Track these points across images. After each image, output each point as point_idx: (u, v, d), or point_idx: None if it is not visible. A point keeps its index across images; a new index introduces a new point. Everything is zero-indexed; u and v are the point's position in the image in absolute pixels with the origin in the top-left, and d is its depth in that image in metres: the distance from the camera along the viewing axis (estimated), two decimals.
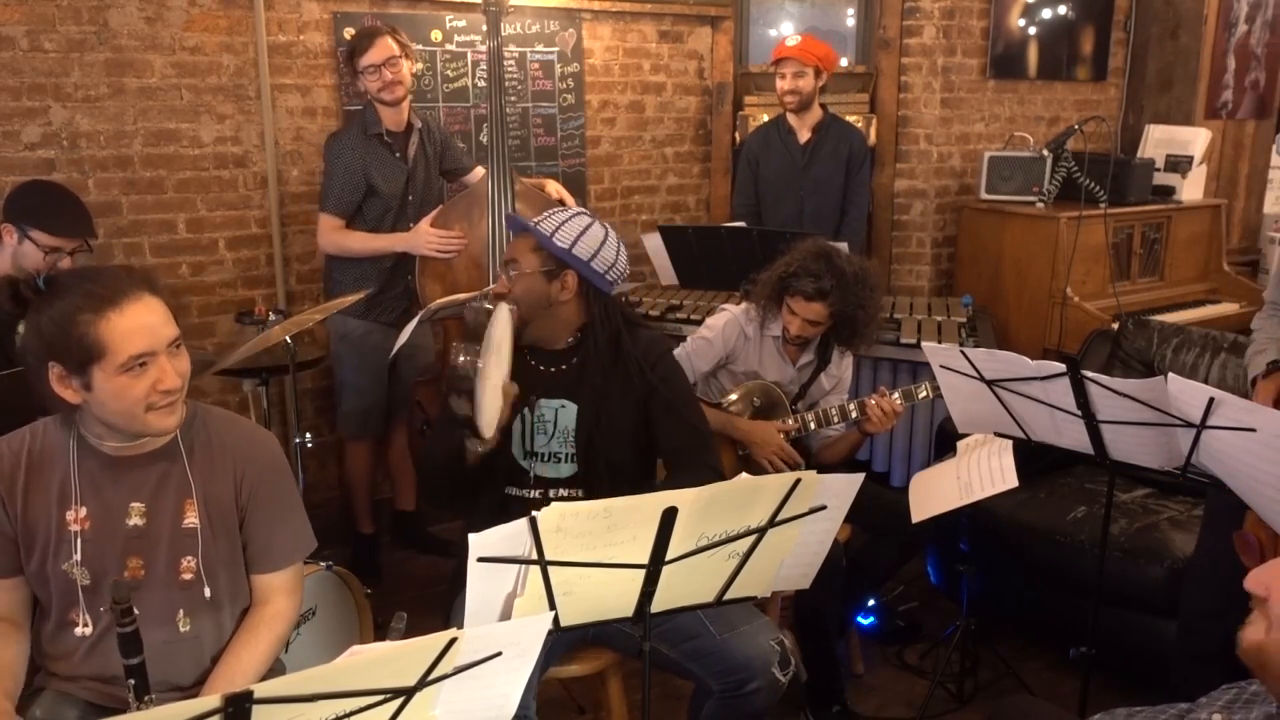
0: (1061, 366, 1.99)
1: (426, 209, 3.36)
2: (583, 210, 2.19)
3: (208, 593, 1.73)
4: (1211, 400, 1.77)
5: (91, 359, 1.56)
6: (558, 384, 2.19)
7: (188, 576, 1.73)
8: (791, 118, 3.81)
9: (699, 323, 3.04)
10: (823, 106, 3.84)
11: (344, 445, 3.62)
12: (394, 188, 3.27)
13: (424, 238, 3.24)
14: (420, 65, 3.71)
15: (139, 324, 1.58)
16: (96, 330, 1.55)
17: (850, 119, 4.18)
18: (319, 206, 3.29)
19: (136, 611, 1.48)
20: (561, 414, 2.18)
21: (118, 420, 1.63)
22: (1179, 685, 2.42)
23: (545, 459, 2.20)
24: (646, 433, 2.20)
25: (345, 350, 3.36)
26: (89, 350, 1.56)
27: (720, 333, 2.82)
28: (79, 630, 1.70)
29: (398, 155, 3.28)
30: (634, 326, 2.25)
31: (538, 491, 2.18)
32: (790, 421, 2.75)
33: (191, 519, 1.72)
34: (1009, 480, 2.38)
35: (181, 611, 1.73)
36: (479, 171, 3.52)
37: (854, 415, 2.73)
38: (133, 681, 1.50)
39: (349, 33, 3.53)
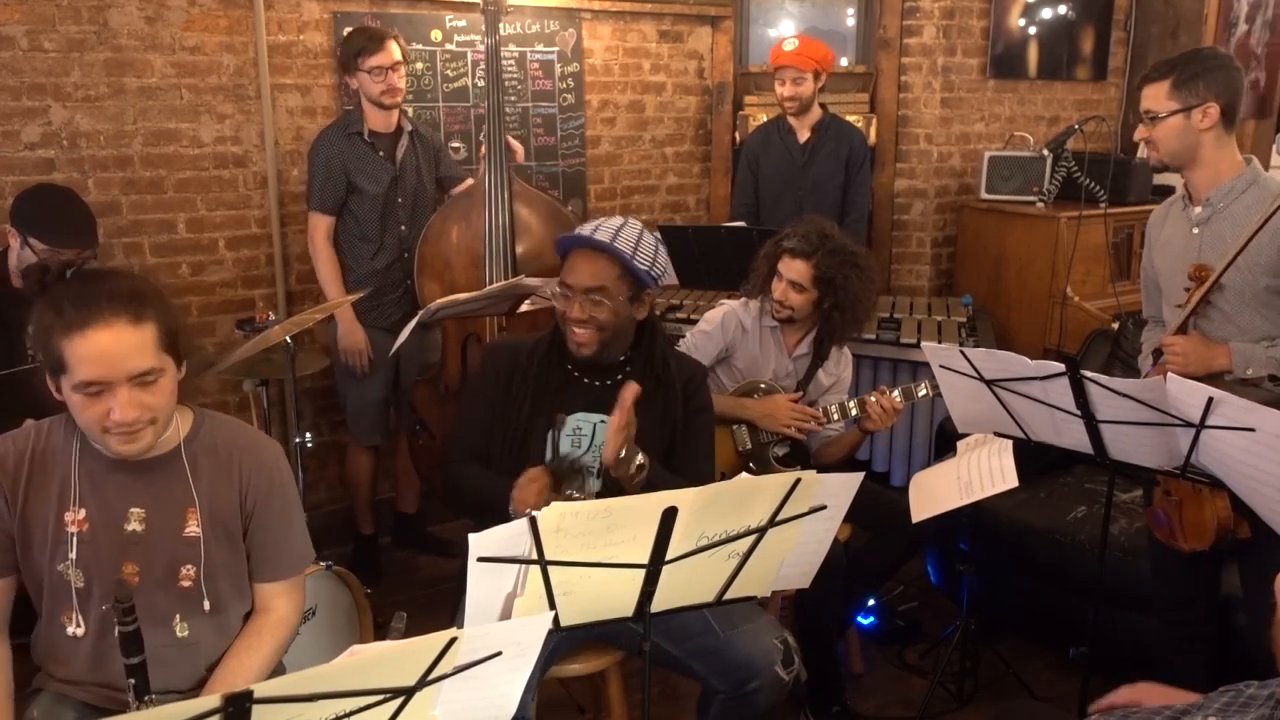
0: (1061, 366, 1.99)
1: (419, 213, 3.36)
2: (637, 221, 2.16)
3: (206, 605, 1.73)
4: (1210, 400, 1.77)
5: (57, 369, 1.58)
6: (602, 399, 2.15)
7: (187, 584, 1.72)
8: (791, 118, 3.82)
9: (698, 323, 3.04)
10: (822, 106, 3.84)
11: (347, 447, 3.62)
12: (379, 187, 3.26)
13: (353, 341, 3.27)
14: (420, 65, 3.71)
15: (96, 352, 1.55)
16: (61, 346, 1.55)
17: (850, 119, 4.17)
18: (306, 206, 3.31)
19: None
20: (600, 428, 2.15)
21: (84, 431, 1.64)
22: (1165, 676, 2.44)
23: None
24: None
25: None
26: (55, 361, 1.57)
27: (719, 325, 2.83)
28: (70, 630, 1.70)
29: (381, 155, 3.28)
30: (674, 349, 2.27)
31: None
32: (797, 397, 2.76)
33: (193, 528, 1.72)
34: (1009, 480, 2.38)
35: (178, 617, 1.73)
36: (469, 183, 3.53)
37: (854, 413, 2.74)
38: (133, 681, 1.50)
39: (348, 32, 3.53)
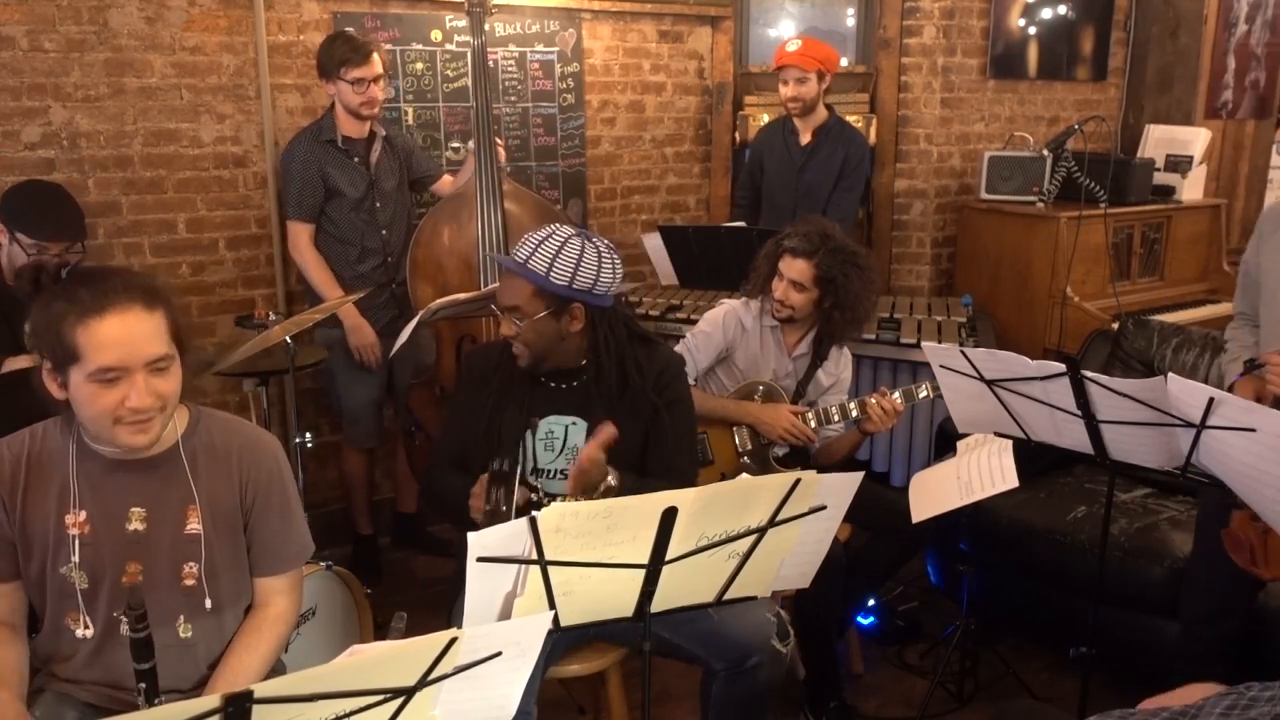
0: (1061, 366, 1.99)
1: (398, 220, 3.36)
2: (566, 231, 2.10)
3: (209, 604, 1.73)
4: (1211, 400, 1.77)
5: (68, 360, 1.56)
6: (569, 401, 2.19)
7: (190, 583, 1.72)
8: (796, 119, 3.81)
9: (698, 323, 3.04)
10: (829, 108, 3.82)
11: (341, 449, 3.62)
12: (357, 191, 3.26)
13: (362, 336, 3.28)
14: (420, 65, 3.71)
15: (115, 337, 1.55)
16: (74, 334, 1.54)
17: (850, 119, 4.16)
18: (286, 214, 3.31)
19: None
20: (572, 430, 2.18)
21: (90, 426, 1.62)
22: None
23: (552, 475, 2.20)
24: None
25: (333, 359, 3.34)
26: (66, 351, 1.55)
27: (720, 324, 2.83)
28: (79, 632, 1.70)
29: (356, 160, 3.27)
30: (646, 343, 2.25)
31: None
32: (801, 405, 2.76)
33: (194, 525, 1.72)
34: (1009, 480, 2.38)
35: (182, 617, 1.73)
36: (447, 179, 3.54)
37: (854, 414, 2.74)
38: (143, 685, 1.50)
39: (329, 37, 3.51)
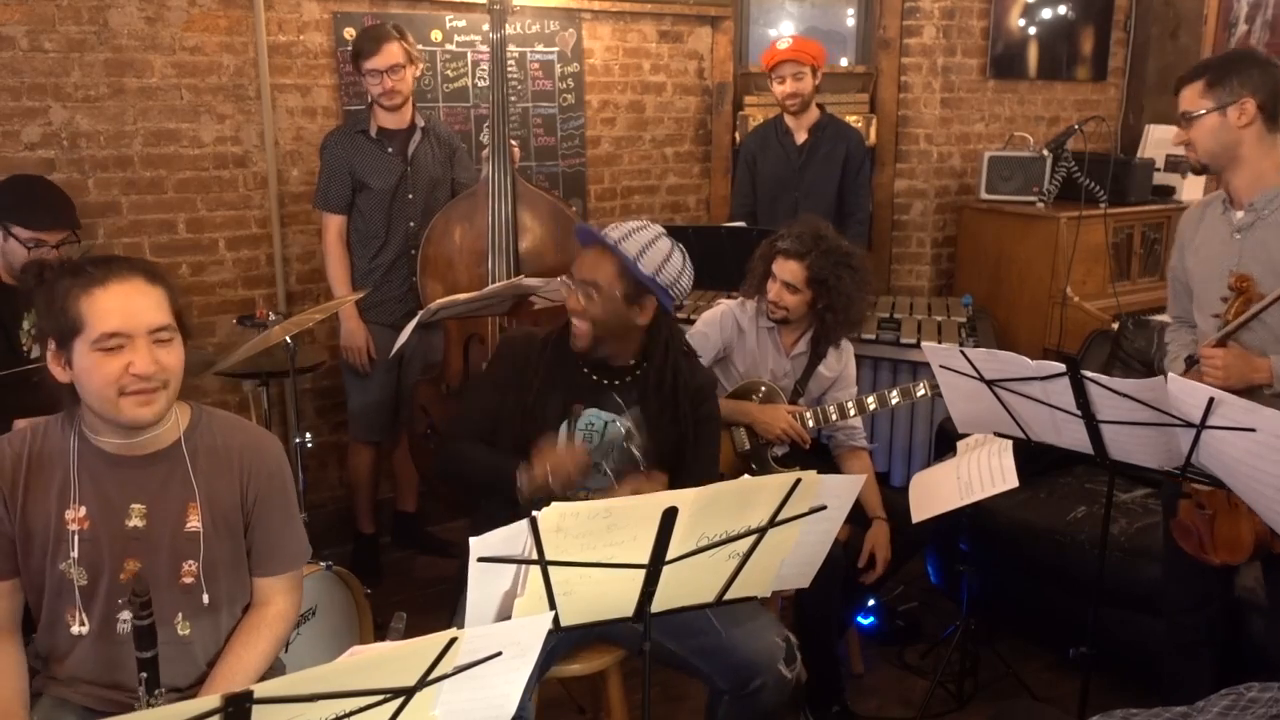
0: (1061, 366, 1.98)
1: (432, 210, 3.36)
2: (658, 229, 2.16)
3: (206, 599, 1.73)
4: (1211, 400, 1.77)
5: (72, 332, 1.58)
6: (613, 397, 2.20)
7: (188, 580, 1.72)
8: (789, 118, 3.81)
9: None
10: (819, 106, 3.84)
11: (348, 445, 3.63)
12: (386, 182, 3.27)
13: (352, 339, 3.31)
14: (422, 66, 3.71)
15: (118, 303, 1.59)
16: (78, 303, 1.57)
17: (850, 119, 4.17)
18: (315, 204, 3.35)
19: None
20: (611, 427, 2.19)
21: (95, 403, 1.63)
22: (1169, 678, 2.45)
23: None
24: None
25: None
26: (70, 323, 1.58)
27: (717, 325, 2.83)
28: (75, 629, 1.70)
29: (390, 151, 3.28)
30: (690, 357, 2.28)
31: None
32: (799, 405, 2.76)
33: (194, 523, 1.72)
34: (1009, 480, 2.38)
35: (180, 615, 1.73)
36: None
37: (852, 413, 2.74)
38: (145, 675, 1.50)
39: (349, 33, 3.54)
